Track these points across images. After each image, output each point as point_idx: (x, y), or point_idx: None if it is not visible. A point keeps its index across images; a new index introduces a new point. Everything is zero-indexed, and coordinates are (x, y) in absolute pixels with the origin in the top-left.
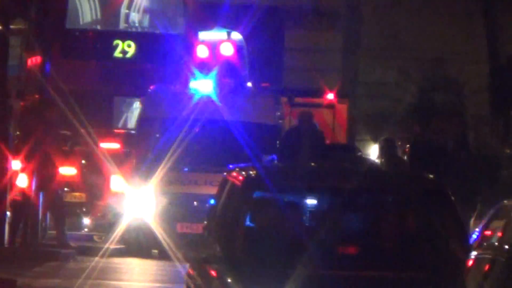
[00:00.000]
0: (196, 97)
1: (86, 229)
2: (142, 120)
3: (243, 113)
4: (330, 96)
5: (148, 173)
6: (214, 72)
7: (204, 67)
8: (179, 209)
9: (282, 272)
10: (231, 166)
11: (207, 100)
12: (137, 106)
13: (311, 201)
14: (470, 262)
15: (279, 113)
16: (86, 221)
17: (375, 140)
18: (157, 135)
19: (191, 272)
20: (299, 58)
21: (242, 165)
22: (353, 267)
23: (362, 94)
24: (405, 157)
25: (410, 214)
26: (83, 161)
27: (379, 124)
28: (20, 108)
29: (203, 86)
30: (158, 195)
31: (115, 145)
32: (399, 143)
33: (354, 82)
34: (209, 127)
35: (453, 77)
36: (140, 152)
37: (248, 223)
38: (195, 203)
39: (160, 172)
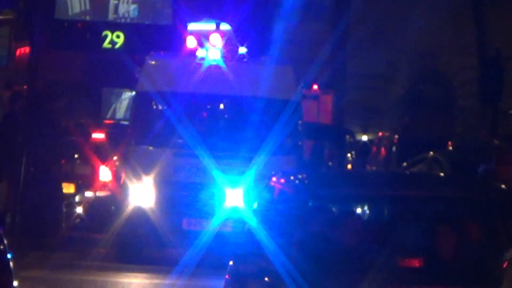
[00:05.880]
0: (203, 67)
1: (78, 220)
2: (139, 96)
3: (258, 87)
4: (314, 87)
5: (147, 158)
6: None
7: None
8: (186, 202)
9: (341, 286)
10: (273, 172)
11: (216, 70)
12: (125, 96)
13: (369, 210)
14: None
15: (301, 87)
16: (79, 210)
17: (364, 131)
18: (158, 111)
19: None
20: (287, 50)
21: (290, 171)
22: (417, 282)
23: (350, 85)
24: (394, 148)
25: (477, 225)
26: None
27: (368, 115)
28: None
29: (210, 53)
30: (159, 185)
31: (102, 136)
32: (388, 133)
33: (342, 74)
34: (221, 103)
35: (442, 69)
36: (137, 133)
37: (304, 234)
38: (203, 195)
39: (162, 158)
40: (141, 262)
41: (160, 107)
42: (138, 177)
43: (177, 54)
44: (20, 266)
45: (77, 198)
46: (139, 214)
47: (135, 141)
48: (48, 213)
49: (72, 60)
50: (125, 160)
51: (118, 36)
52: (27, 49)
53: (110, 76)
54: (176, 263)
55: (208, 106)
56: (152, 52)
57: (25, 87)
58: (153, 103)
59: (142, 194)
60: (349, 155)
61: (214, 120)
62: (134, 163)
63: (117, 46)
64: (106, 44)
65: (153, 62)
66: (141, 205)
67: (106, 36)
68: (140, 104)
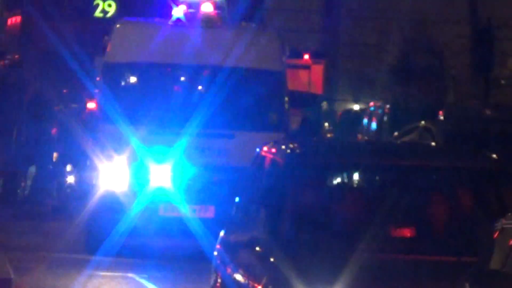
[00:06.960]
0: (178, 33)
1: (69, 190)
2: (108, 67)
3: (238, 55)
4: (306, 57)
5: (118, 137)
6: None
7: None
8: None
9: (332, 255)
10: (265, 143)
11: (192, 38)
12: None
13: (361, 179)
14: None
15: (284, 58)
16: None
17: (355, 100)
18: (129, 84)
19: (224, 257)
20: (279, 19)
21: (281, 140)
22: (409, 251)
23: (342, 55)
24: (385, 118)
25: (469, 195)
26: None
27: (359, 85)
28: None
29: (187, 17)
30: (132, 166)
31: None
32: (379, 103)
33: (334, 43)
34: (197, 74)
35: (434, 38)
36: (106, 109)
37: (295, 203)
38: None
39: (135, 136)
40: (112, 253)
41: (131, 80)
42: (108, 158)
43: (150, 21)
44: (11, 235)
45: (68, 168)
46: (111, 200)
47: (103, 118)
48: (40, 182)
49: (63, 30)
50: (94, 139)
51: (109, 5)
52: (18, 19)
53: (101, 45)
54: (152, 253)
55: (183, 78)
56: (122, 18)
57: (16, 56)
58: (123, 75)
59: (113, 177)
60: (326, 124)
61: (189, 93)
62: (104, 143)
63: (109, 15)
64: (97, 13)
65: (123, 30)
66: (113, 189)
67: (97, 5)
68: (108, 76)
